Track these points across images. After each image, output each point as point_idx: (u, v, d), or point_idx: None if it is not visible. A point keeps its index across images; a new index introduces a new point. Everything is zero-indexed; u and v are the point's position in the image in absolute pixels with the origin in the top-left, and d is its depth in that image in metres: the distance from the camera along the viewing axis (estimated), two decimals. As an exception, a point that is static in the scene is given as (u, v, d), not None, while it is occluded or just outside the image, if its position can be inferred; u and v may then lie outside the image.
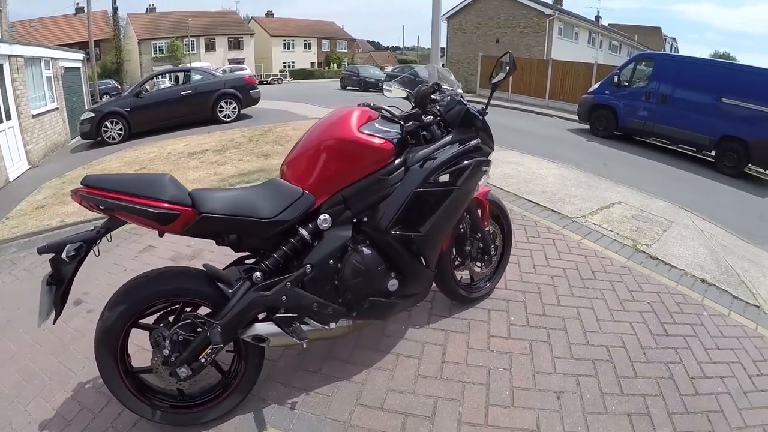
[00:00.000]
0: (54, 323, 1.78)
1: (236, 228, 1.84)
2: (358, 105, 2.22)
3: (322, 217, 1.95)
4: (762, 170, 9.47)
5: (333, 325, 2.01)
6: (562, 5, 27.14)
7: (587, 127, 11.36)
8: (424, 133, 2.24)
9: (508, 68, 2.38)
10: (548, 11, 23.18)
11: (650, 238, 4.13)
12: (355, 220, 2.05)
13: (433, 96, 2.30)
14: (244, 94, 11.29)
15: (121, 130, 10.06)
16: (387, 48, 76.12)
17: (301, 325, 1.93)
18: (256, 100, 11.72)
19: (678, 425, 2.06)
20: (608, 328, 2.69)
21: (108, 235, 1.74)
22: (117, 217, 1.71)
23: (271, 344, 1.91)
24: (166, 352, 1.78)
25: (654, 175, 7.65)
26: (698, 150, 9.62)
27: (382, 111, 2.19)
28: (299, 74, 44.12)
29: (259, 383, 2.11)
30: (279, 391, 2.16)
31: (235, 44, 44.48)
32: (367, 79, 23.22)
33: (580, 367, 2.33)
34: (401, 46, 76.42)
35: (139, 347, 2.13)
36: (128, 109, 10.10)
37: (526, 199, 4.69)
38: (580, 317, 2.75)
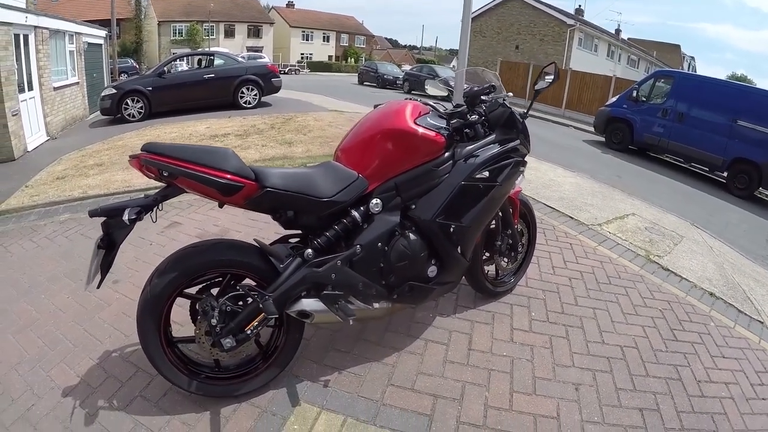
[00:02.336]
0: (98, 287, 1.82)
1: (295, 204, 1.90)
2: (407, 99, 2.33)
3: (374, 201, 2.04)
4: None
5: (376, 305, 2.10)
6: (583, 16, 27.16)
7: (602, 139, 11.45)
8: (467, 130, 2.34)
9: (552, 77, 2.50)
10: (570, 21, 23.22)
11: (662, 250, 4.27)
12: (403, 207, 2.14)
13: (483, 96, 2.42)
14: (265, 81, 11.39)
15: (141, 108, 10.18)
16: (404, 46, 75.99)
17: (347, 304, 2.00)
18: (277, 89, 11.83)
19: (686, 422, 2.20)
20: (622, 329, 2.84)
21: (161, 204, 1.78)
22: (177, 186, 1.74)
23: (314, 320, 1.96)
24: (213, 321, 1.80)
25: (666, 191, 7.77)
26: (711, 170, 9.72)
27: (432, 106, 2.30)
28: (317, 66, 44.28)
29: (292, 360, 2.16)
30: (312, 368, 2.23)
31: (255, 32, 44.60)
32: (385, 76, 23.14)
33: (596, 363, 2.48)
34: (418, 46, 76.26)
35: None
36: (150, 88, 10.22)
37: (544, 204, 4.82)
38: (596, 318, 2.90)
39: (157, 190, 1.82)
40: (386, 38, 71.40)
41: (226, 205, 1.88)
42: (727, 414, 2.35)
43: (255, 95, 11.25)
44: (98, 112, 11.19)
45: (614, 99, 11.44)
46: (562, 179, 6.16)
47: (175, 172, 1.66)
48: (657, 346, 2.75)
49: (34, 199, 4.83)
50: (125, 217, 1.65)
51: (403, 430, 1.92)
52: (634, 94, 10.60)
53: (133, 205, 1.69)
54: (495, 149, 2.34)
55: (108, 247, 1.74)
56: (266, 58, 26.67)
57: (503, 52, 24.44)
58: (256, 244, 1.94)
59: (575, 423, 2.05)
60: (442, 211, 2.14)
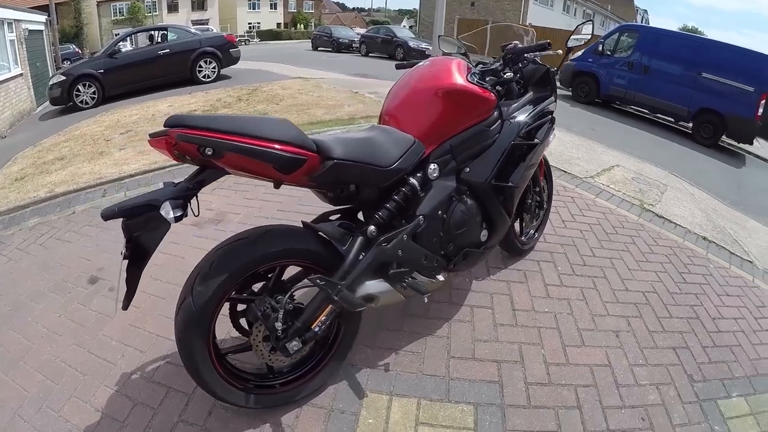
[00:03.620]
0: (125, 308, 1.50)
1: (360, 176, 1.69)
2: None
3: (431, 166, 1.90)
4: (735, 143, 10.08)
5: (439, 277, 1.99)
6: (537, -30, 27.13)
7: (568, 93, 11.65)
8: (499, 88, 2.23)
9: (587, 36, 2.45)
10: (525, -25, 23.20)
11: (653, 199, 4.47)
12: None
13: (526, 54, 2.31)
14: (224, 53, 10.88)
15: (94, 93, 9.54)
16: (353, 9, 74.20)
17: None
18: (236, 60, 11.35)
19: (711, 356, 2.41)
20: (639, 276, 3.00)
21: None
22: (218, 166, 1.43)
23: (379, 303, 1.79)
24: (278, 324, 1.55)
25: (639, 141, 8.05)
26: (676, 120, 10.15)
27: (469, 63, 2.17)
28: (266, 35, 42.63)
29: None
30: (366, 354, 2.09)
31: (199, 5, 42.06)
32: (340, 40, 22.57)
33: (626, 310, 2.62)
34: (366, 8, 74.57)
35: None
36: (102, 71, 9.55)
37: (537, 161, 4.93)
38: (614, 267, 3.04)
39: (181, 178, 1.50)
40: (334, 2, 69.41)
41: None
42: (742, 346, 2.59)
43: (214, 68, 10.75)
44: (47, 103, 10.43)
45: (579, 53, 11.60)
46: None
47: (222, 147, 1.34)
48: (672, 290, 2.94)
49: (-7, 206, 4.27)
50: (169, 214, 1.33)
51: (477, 401, 1.90)
52: (600, 48, 10.80)
53: (168, 197, 1.35)
54: (536, 106, 2.33)
55: (133, 256, 1.41)
56: (214, 31, 25.60)
57: (459, 10, 24.21)
58: (304, 227, 1.74)
59: (625, 368, 2.18)
60: (496, 173, 2.09)
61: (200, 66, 10.56)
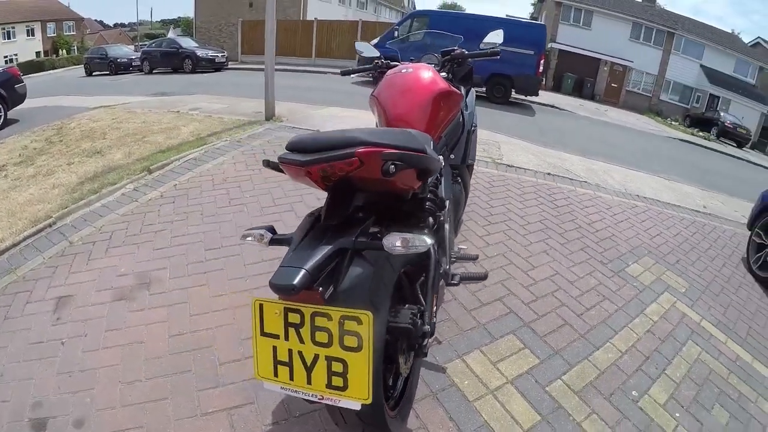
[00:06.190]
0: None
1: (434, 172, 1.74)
2: (392, 63, 2.61)
3: (440, 157, 2.02)
4: (522, 97, 12.59)
5: (462, 248, 2.41)
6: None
7: (369, 78, 12.77)
8: None
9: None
10: (297, -28, 23.77)
11: (497, 154, 5.52)
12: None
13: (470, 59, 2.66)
14: (9, 90, 8.85)
15: None
16: (114, 26, 66.41)
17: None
18: (22, 97, 9.28)
19: (603, 246, 3.46)
20: (529, 211, 3.92)
21: None
22: (360, 187, 1.35)
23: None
24: (426, 327, 1.52)
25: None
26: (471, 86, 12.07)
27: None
28: (28, 67, 35.07)
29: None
30: None
31: None
32: (118, 60, 20.04)
33: (539, 236, 3.48)
34: (127, 23, 67.19)
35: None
36: None
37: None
38: (510, 210, 3.88)
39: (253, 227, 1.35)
40: (95, 20, 61.05)
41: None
42: (615, 234, 3.76)
43: (-1, 111, 8.90)
44: None
45: (376, 40, 12.79)
46: (359, 118, 6.87)
47: (411, 162, 1.31)
48: (554, 213, 3.94)
49: None
50: (425, 242, 1.21)
51: (512, 329, 2.38)
52: (396, 34, 12.12)
53: (345, 235, 1.25)
54: (469, 98, 2.84)
55: None
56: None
57: (239, 12, 23.71)
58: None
59: (566, 270, 3.05)
60: (468, 155, 2.56)
61: (-17, 112, 8.62)
